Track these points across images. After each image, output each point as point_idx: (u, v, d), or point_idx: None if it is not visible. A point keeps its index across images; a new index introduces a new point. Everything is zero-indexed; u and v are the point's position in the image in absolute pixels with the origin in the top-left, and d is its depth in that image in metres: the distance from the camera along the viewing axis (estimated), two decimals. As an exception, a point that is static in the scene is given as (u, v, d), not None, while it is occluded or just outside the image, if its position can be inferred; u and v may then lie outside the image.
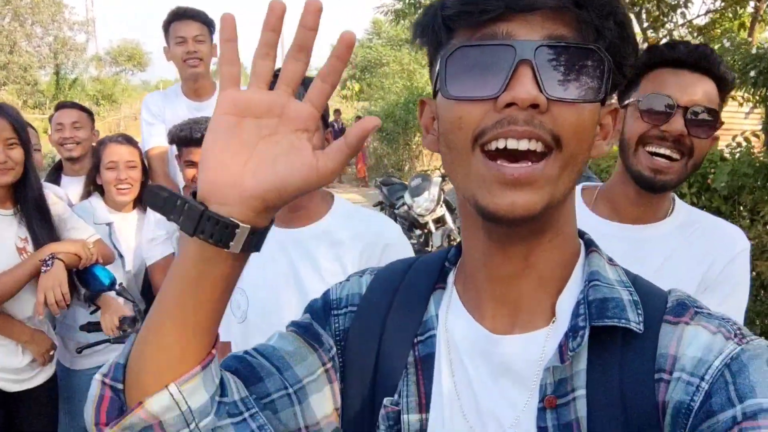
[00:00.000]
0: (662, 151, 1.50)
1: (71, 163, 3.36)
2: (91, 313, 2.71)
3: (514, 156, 0.68)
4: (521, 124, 0.66)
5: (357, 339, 0.86)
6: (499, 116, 0.67)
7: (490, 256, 0.77)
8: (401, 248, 1.76)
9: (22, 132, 2.45)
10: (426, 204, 7.91)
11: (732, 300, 1.55)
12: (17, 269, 2.42)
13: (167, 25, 3.27)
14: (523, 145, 0.67)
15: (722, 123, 1.54)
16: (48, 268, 2.40)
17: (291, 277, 1.74)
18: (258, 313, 1.76)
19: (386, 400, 0.81)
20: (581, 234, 0.83)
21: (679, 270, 1.55)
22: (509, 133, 0.66)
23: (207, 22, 3.27)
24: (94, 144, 3.35)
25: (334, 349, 0.86)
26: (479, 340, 0.79)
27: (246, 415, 0.74)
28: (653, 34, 10.17)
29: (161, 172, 3.15)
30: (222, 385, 0.74)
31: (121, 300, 2.73)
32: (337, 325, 0.88)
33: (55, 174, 3.39)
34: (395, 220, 9.91)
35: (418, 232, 8.24)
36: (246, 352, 0.84)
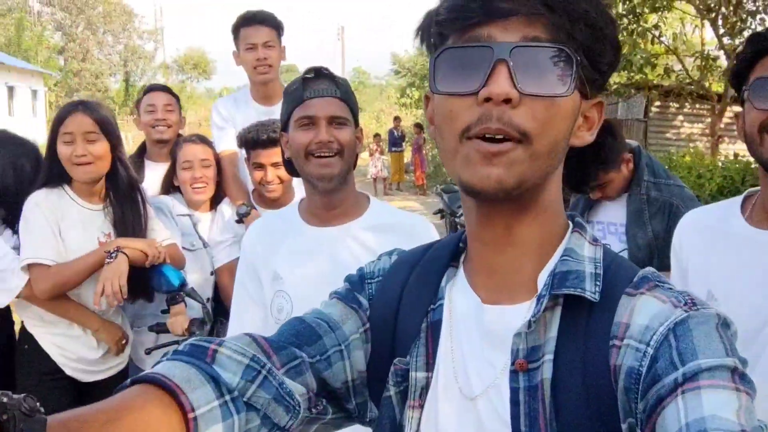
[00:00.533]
0: None
1: (159, 146, 3.31)
2: (162, 312, 2.73)
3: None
4: (494, 122, 0.75)
5: (379, 306, 0.97)
6: (480, 112, 0.76)
7: (479, 228, 0.86)
8: None
9: (105, 126, 2.45)
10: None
11: None
12: (81, 260, 2.45)
13: (236, 30, 3.22)
14: (498, 138, 0.76)
15: None
16: (111, 260, 2.41)
17: (331, 274, 1.71)
18: (302, 312, 1.73)
19: (397, 360, 0.91)
20: (572, 217, 0.90)
21: None
22: (486, 130, 0.76)
23: (276, 26, 3.22)
24: (181, 132, 3.38)
25: (369, 311, 0.98)
26: (471, 308, 0.87)
27: (262, 374, 0.82)
28: (729, 41, 9.82)
29: (231, 175, 3.11)
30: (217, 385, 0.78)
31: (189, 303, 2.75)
32: (369, 291, 1.00)
33: (138, 159, 3.35)
34: (455, 228, 9.81)
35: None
36: (302, 317, 0.97)
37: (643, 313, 0.75)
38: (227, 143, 3.14)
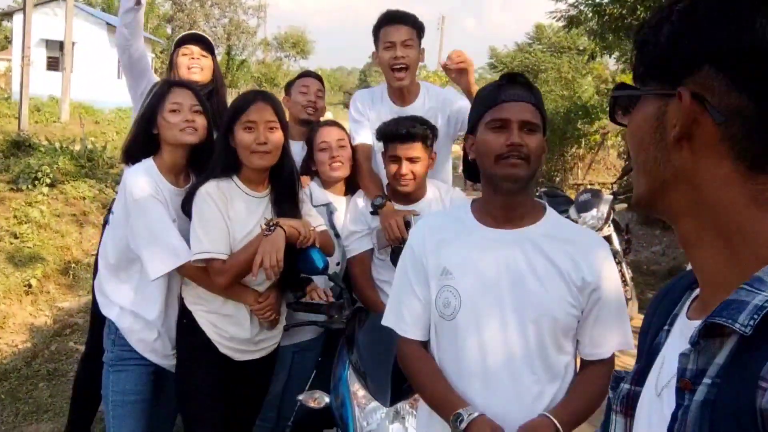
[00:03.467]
0: None
1: (302, 126, 3.45)
2: (289, 306, 2.76)
3: None
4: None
5: (641, 336, 1.03)
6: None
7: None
8: (611, 263, 1.87)
9: (281, 116, 2.53)
10: (593, 221, 7.38)
11: None
12: (249, 247, 2.48)
13: (377, 30, 3.20)
14: None
15: None
16: (270, 233, 2.43)
17: (504, 276, 1.77)
18: (470, 310, 1.78)
19: (616, 371, 1.02)
20: None
21: None
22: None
23: (417, 26, 3.18)
24: (322, 118, 3.52)
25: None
26: (683, 326, 0.89)
27: None
28: None
29: (366, 167, 3.13)
30: None
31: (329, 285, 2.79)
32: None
33: None
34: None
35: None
36: None
37: None
38: (363, 136, 3.15)
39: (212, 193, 2.47)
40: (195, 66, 3.33)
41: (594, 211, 7.55)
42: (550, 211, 1.90)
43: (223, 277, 2.46)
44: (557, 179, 18.37)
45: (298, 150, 3.17)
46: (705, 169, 0.79)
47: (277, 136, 2.49)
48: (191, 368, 2.62)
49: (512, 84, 1.81)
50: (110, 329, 2.69)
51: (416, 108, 3.17)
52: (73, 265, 7.03)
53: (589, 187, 12.38)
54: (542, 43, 35.17)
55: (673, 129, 0.80)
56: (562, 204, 9.22)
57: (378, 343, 2.43)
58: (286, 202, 2.61)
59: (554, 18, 15.80)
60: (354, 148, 3.14)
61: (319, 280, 2.83)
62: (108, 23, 25.52)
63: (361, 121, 3.21)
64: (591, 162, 17.83)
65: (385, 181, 3.03)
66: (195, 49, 3.35)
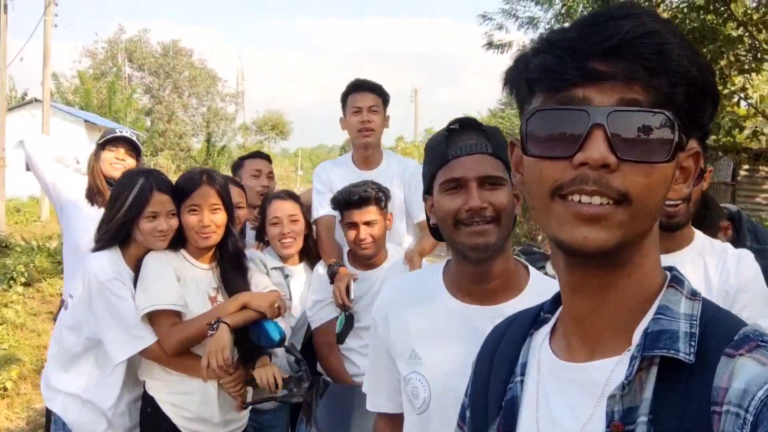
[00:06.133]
0: None
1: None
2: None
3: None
4: (591, 184, 0.73)
5: (474, 389, 1.01)
6: (575, 173, 0.74)
7: (571, 293, 0.84)
8: None
9: (226, 198, 2.61)
10: (570, 277, 7.46)
11: None
12: (203, 317, 2.50)
13: (345, 97, 3.39)
14: (596, 200, 0.74)
15: None
16: (213, 332, 2.44)
17: (472, 356, 1.51)
18: (441, 405, 1.48)
19: None
20: (671, 269, 0.86)
21: None
22: (581, 191, 0.74)
23: (382, 95, 3.37)
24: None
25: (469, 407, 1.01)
26: (561, 369, 0.86)
27: None
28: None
29: (326, 239, 3.19)
30: None
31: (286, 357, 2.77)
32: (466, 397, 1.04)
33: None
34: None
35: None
36: None
37: (740, 377, 0.72)
38: (325, 209, 3.22)
39: (165, 254, 2.55)
40: (119, 164, 3.50)
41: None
42: (535, 278, 1.59)
43: (169, 340, 2.46)
44: (539, 237, 18.42)
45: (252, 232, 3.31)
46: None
47: (221, 217, 2.58)
48: None
49: (462, 132, 1.50)
50: (57, 425, 2.62)
51: (380, 171, 3.31)
52: (49, 363, 6.88)
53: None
54: (513, 107, 36.00)
55: (677, 183, 0.82)
56: (539, 260, 9.24)
57: (337, 415, 2.38)
58: (232, 273, 2.66)
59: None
60: (316, 222, 3.22)
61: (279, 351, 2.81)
62: (86, 120, 25.88)
63: (324, 193, 3.28)
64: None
65: (346, 248, 3.07)
66: (121, 150, 3.54)
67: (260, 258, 3.04)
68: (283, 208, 3.09)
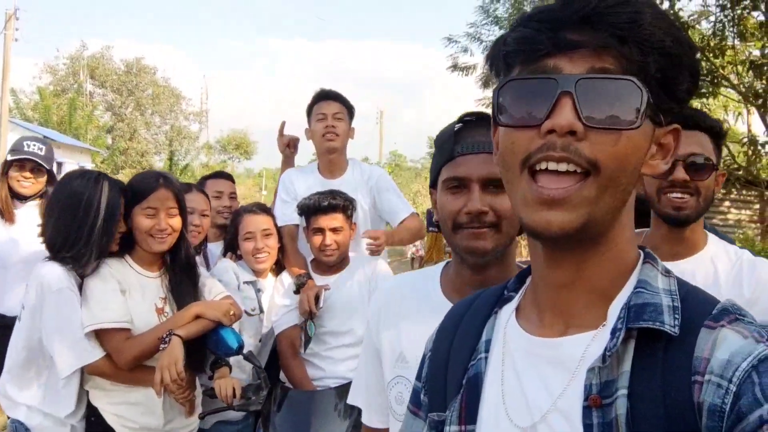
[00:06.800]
0: None
1: (220, 230, 3.53)
2: (209, 378, 2.66)
3: (557, 176, 0.75)
4: (558, 150, 0.74)
5: (431, 370, 0.99)
6: (542, 142, 0.75)
7: (546, 268, 0.84)
8: None
9: (182, 202, 2.56)
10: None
11: None
12: (146, 336, 2.44)
13: (310, 108, 3.42)
14: (562, 167, 0.75)
15: None
16: (165, 345, 2.38)
17: None
18: None
19: (432, 413, 0.93)
20: (643, 248, 0.86)
21: None
22: (548, 158, 0.75)
23: (347, 105, 3.41)
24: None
25: (425, 387, 1.00)
26: (533, 346, 0.85)
27: None
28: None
29: (290, 248, 3.19)
30: None
31: (246, 366, 2.71)
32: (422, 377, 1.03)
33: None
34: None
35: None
36: None
37: (723, 348, 0.73)
38: (288, 217, 3.22)
39: (109, 266, 2.46)
40: (27, 183, 3.70)
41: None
42: None
43: (124, 355, 2.40)
44: (525, 254, 18.59)
45: (214, 250, 3.31)
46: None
47: (177, 221, 2.52)
48: None
49: (471, 129, 1.39)
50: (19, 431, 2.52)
51: (345, 180, 3.33)
52: None
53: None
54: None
55: (653, 158, 0.82)
56: None
57: (297, 422, 2.36)
58: (182, 281, 2.59)
59: (484, 105, 16.53)
60: (279, 230, 3.19)
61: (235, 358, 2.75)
62: (45, 137, 25.42)
63: (288, 202, 3.28)
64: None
65: (309, 257, 3.08)
66: (27, 167, 3.66)
67: (234, 269, 3.00)
68: (256, 223, 3.06)
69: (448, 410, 0.91)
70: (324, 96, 3.41)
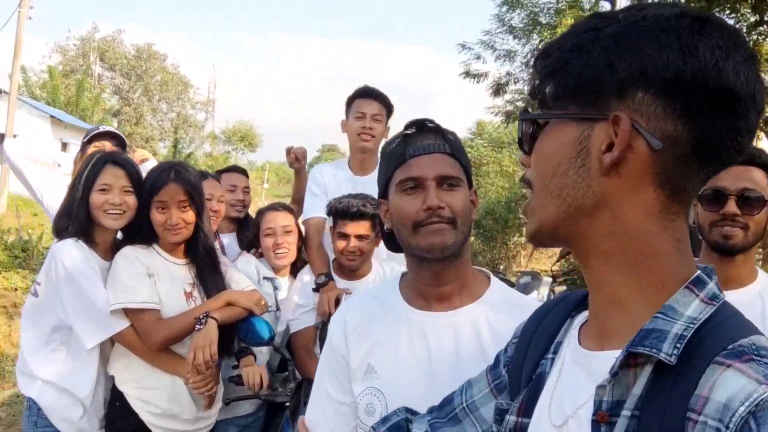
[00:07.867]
0: None
1: (233, 223, 3.60)
2: (233, 367, 2.69)
3: None
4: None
5: (515, 354, 1.06)
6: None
7: (589, 288, 0.88)
8: None
9: (195, 194, 2.55)
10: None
11: None
12: (178, 319, 2.48)
13: (351, 101, 3.43)
14: None
15: None
16: (201, 327, 2.42)
17: (441, 375, 1.41)
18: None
19: (500, 399, 1.03)
20: (705, 268, 0.82)
21: None
22: None
23: (387, 105, 3.42)
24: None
25: (508, 365, 1.08)
26: (577, 355, 0.89)
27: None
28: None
29: (315, 242, 3.20)
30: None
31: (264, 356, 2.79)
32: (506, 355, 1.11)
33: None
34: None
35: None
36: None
37: (723, 389, 0.69)
38: (317, 211, 3.24)
39: (135, 251, 2.51)
40: None
41: (534, 293, 7.75)
42: (496, 287, 1.52)
43: (157, 334, 2.43)
44: (501, 267, 18.65)
45: (228, 242, 3.35)
46: (628, 195, 0.78)
47: (189, 215, 2.53)
48: None
49: (420, 133, 1.47)
50: (31, 411, 2.55)
51: (374, 177, 3.29)
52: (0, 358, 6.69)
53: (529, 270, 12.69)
54: (483, 138, 36.44)
55: (603, 154, 0.77)
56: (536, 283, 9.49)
57: None
58: (208, 270, 2.64)
59: (493, 113, 16.56)
60: (306, 222, 3.24)
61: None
62: (52, 116, 25.43)
63: (319, 195, 3.30)
64: (533, 250, 18.25)
65: (332, 256, 3.09)
66: (107, 145, 3.49)
67: (255, 264, 3.05)
68: (276, 219, 3.11)
69: (515, 401, 0.98)
70: (366, 93, 3.40)
